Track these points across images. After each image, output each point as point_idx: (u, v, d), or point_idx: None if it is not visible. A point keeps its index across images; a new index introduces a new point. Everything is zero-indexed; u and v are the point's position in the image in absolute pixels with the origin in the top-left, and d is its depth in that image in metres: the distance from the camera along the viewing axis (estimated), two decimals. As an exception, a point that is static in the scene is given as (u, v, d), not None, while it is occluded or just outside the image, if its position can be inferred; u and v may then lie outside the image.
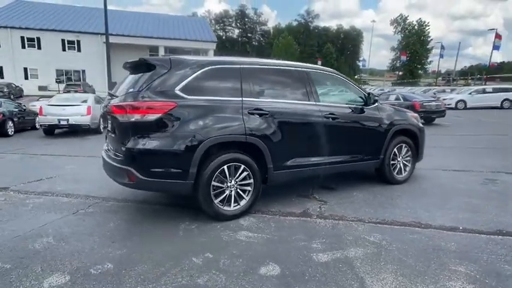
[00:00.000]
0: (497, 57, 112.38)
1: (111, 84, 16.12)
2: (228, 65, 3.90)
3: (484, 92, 23.50)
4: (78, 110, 11.74)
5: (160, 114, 3.39)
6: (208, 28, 43.45)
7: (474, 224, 3.57)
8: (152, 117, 3.38)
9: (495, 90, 23.54)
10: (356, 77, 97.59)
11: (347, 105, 4.71)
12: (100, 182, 5.28)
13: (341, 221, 3.74)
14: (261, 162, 3.86)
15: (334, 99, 4.74)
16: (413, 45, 61.13)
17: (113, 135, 3.83)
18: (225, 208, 3.73)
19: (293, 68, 4.41)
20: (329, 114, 4.39)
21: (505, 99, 22.63)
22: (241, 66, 3.95)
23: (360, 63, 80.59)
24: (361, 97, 4.91)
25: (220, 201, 3.69)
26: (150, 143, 3.39)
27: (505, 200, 4.41)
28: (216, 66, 3.80)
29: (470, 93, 23.67)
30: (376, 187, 4.98)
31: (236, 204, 3.79)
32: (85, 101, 12.21)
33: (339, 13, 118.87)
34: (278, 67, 4.30)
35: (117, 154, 3.64)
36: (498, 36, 37.53)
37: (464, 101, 22.97)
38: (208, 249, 3.08)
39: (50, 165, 7.12)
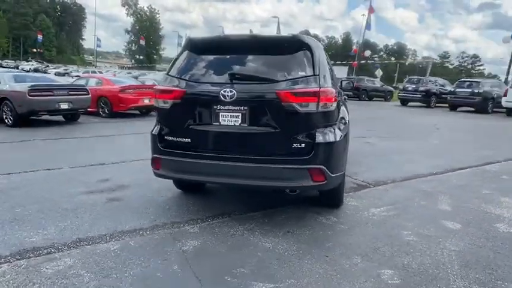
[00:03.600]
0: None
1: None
2: None
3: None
4: None
5: (335, 102, 3.02)
6: None
7: (450, 166, 5.64)
8: (334, 105, 2.96)
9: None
10: (81, 57, 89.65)
11: None
12: (89, 212, 3.59)
13: (402, 182, 4.79)
14: None
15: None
16: (147, 30, 63.38)
17: (260, 129, 2.92)
18: (339, 194, 3.77)
19: None
20: None
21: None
22: None
23: (95, 43, 73.47)
24: None
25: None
26: (334, 135, 2.98)
27: (415, 154, 6.81)
28: None
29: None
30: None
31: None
32: None
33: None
34: None
35: (287, 152, 2.86)
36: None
37: None
38: (397, 227, 3.28)
39: None
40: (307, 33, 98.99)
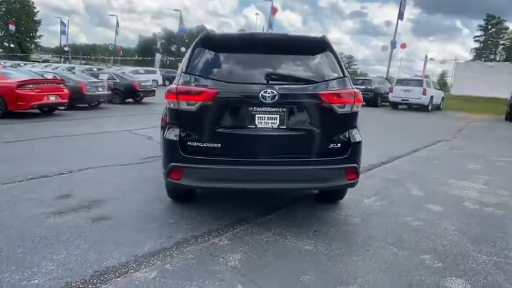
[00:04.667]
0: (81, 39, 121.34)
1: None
2: None
3: (138, 72, 26.95)
4: None
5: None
6: None
7: (389, 155, 6.31)
8: (360, 106, 3.05)
9: (146, 72, 27.74)
10: None
11: None
12: (81, 238, 3.03)
13: (367, 172, 5.18)
14: None
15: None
16: (18, 14, 53.76)
17: (297, 131, 2.84)
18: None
19: None
20: None
21: (153, 80, 27.41)
22: None
23: None
24: None
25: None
26: (359, 134, 3.08)
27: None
28: None
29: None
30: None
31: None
32: None
33: None
34: None
35: (324, 153, 2.85)
36: (118, 23, 42.50)
37: (156, 81, 26.00)
38: (397, 215, 3.60)
39: None
40: (203, 28, 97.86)
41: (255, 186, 2.89)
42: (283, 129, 2.82)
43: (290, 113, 2.82)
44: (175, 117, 2.86)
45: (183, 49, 40.93)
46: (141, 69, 28.61)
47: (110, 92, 13.89)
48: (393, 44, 25.86)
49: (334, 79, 2.93)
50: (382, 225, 3.38)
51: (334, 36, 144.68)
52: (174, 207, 3.60)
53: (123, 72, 16.69)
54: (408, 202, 4.07)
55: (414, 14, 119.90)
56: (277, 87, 2.76)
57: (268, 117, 2.77)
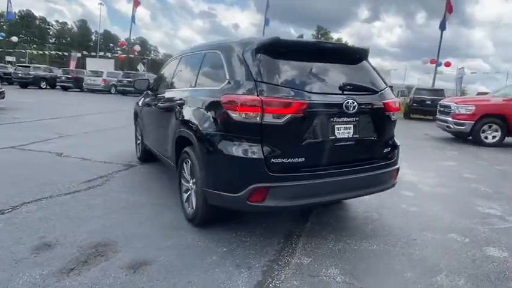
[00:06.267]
0: None
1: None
2: None
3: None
4: None
5: None
6: None
7: None
8: None
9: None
10: None
11: None
12: None
13: None
14: None
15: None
16: None
17: (365, 139, 2.95)
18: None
19: None
20: None
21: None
22: None
23: None
24: None
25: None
26: None
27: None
28: None
29: None
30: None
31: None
32: None
33: None
34: None
35: (381, 157, 3.08)
36: None
37: None
38: (394, 205, 4.13)
39: None
40: (28, 13, 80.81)
41: (340, 196, 2.93)
42: (356, 138, 2.89)
43: (361, 122, 2.91)
44: (252, 132, 2.51)
45: (14, 38, 33.26)
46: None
47: None
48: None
49: (386, 88, 3.17)
50: (395, 216, 3.83)
51: (185, 34, 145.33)
52: (205, 234, 3.13)
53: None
54: (388, 192, 4.66)
55: (257, 19, 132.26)
56: (354, 97, 2.81)
57: (345, 127, 2.79)
